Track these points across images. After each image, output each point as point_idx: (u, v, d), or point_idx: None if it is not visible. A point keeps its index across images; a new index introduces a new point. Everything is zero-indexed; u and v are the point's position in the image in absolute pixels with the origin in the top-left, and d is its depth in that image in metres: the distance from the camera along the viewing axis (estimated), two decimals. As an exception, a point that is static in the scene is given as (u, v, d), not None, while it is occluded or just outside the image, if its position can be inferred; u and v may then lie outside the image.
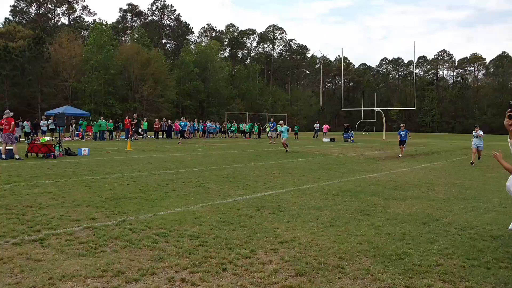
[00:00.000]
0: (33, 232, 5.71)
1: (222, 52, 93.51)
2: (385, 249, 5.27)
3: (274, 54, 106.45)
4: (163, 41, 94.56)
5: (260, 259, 4.78)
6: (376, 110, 54.04)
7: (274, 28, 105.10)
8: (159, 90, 63.28)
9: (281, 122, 26.33)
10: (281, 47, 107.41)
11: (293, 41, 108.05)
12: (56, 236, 5.50)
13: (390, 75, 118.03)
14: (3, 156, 15.43)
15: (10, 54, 53.72)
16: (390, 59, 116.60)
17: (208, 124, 42.80)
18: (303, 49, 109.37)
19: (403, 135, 20.37)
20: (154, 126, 38.09)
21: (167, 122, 38.16)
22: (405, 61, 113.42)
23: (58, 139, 18.32)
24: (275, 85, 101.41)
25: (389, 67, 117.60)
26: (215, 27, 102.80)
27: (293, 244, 5.39)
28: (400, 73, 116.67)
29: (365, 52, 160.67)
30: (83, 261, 4.60)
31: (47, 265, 4.46)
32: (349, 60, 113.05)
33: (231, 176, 11.91)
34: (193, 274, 4.29)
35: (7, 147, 15.68)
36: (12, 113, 16.37)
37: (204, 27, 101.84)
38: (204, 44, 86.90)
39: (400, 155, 20.02)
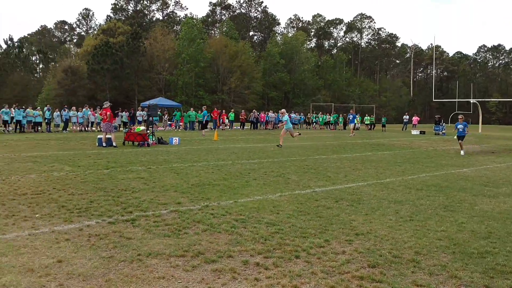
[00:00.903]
0: (126, 213, 6.28)
1: (308, 42, 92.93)
2: (467, 246, 5.07)
3: (362, 44, 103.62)
4: (250, 33, 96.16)
5: (334, 249, 4.86)
6: (472, 101, 50.56)
7: (362, 17, 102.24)
8: (246, 82, 64.62)
9: (283, 110, 21.41)
10: (369, 36, 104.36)
11: (382, 29, 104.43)
12: (145, 218, 6.01)
13: (489, 64, 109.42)
14: (104, 144, 16.87)
15: (111, 49, 57.98)
16: (490, 46, 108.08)
17: (293, 115, 42.98)
18: (392, 37, 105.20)
19: (460, 129, 17.24)
20: (240, 117, 39.09)
21: (255, 113, 38.98)
22: (507, 48, 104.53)
23: (152, 128, 19.58)
24: (362, 75, 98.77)
25: (488, 55, 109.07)
26: (302, 17, 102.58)
27: (368, 237, 5.38)
28: (500, 61, 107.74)
29: (461, 39, 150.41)
30: (168, 241, 5.00)
31: (137, 243, 4.92)
32: (442, 49, 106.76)
33: (312, 167, 11.97)
34: (266, 259, 4.48)
35: (107, 136, 17.11)
36: (109, 104, 17.66)
37: (290, 18, 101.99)
38: (290, 35, 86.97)
39: (462, 152, 16.94)
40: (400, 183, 9.58)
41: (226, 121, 38.67)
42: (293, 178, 9.88)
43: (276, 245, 4.93)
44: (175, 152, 15.42)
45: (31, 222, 5.70)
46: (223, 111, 40.72)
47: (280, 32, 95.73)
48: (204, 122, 33.01)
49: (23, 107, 28.26)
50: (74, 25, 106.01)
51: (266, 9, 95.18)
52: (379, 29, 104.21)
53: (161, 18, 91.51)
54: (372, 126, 43.62)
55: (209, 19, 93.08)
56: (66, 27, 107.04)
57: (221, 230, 5.51)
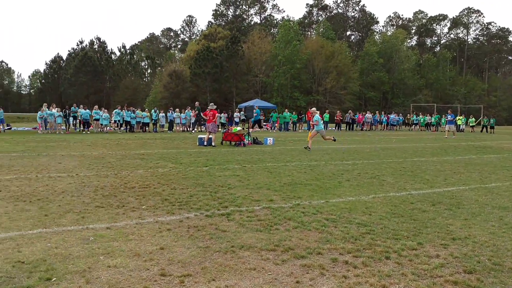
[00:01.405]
0: (222, 207, 6.63)
1: (409, 40, 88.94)
2: None
3: (468, 40, 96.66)
4: (347, 33, 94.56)
5: (427, 252, 4.71)
6: None
7: (469, 11, 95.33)
8: (342, 82, 63.68)
9: (314, 108, 19.32)
10: (477, 31, 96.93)
11: (492, 24, 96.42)
12: (239, 213, 6.30)
13: None
14: (205, 143, 17.77)
15: (212, 54, 60.69)
16: None
17: (391, 116, 41.51)
18: (504, 32, 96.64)
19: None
20: (335, 118, 38.68)
21: (351, 114, 38.34)
22: None
23: (248, 129, 20.19)
24: (468, 73, 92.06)
25: None
26: (402, 15, 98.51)
27: (466, 242, 5.12)
28: None
29: None
30: (260, 235, 5.21)
31: (231, 235, 5.20)
32: None
33: (409, 169, 11.54)
34: (356, 258, 4.49)
35: (210, 135, 18.01)
36: (216, 106, 18.58)
37: (389, 16, 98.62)
38: (389, 33, 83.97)
39: None
40: (507, 188, 8.88)
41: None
42: (388, 180, 9.62)
43: (366, 245, 4.90)
44: (269, 152, 15.78)
45: (138, 213, 6.27)
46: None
47: (379, 30, 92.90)
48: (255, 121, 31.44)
49: (132, 109, 30.71)
50: (179, 32, 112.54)
51: (364, 8, 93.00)
52: (489, 23, 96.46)
53: (258, 21, 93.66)
54: (487, 128, 39.78)
55: (306, 21, 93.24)
56: (172, 34, 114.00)
57: (312, 228, 5.59)
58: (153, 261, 4.30)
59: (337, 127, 37.82)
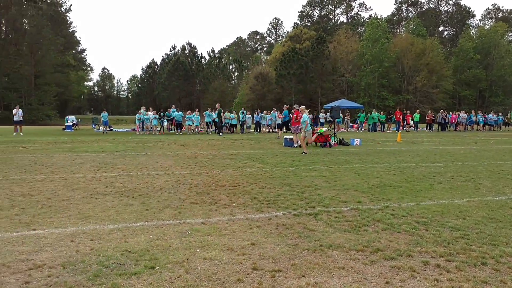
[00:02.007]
0: (309, 207, 6.74)
1: (510, 34, 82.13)
2: None
3: None
4: (440, 29, 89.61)
5: (529, 260, 4.44)
6: None
7: None
8: (434, 81, 60.50)
9: (302, 107, 16.92)
10: None
11: None
12: (327, 213, 6.36)
13: None
14: (295, 145, 17.94)
15: (297, 55, 60.88)
16: None
17: (489, 115, 38.71)
18: None
19: None
20: (426, 118, 36.94)
21: (444, 113, 36.42)
22: None
23: (334, 130, 20.06)
24: None
25: None
26: (502, 7, 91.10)
27: None
28: None
29: None
30: (348, 236, 5.25)
31: (318, 234, 5.30)
32: None
33: (509, 172, 10.78)
34: (449, 262, 4.36)
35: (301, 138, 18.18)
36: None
37: (488, 9, 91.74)
38: (487, 27, 78.20)
39: None
40: None
41: (411, 122, 37.00)
42: (484, 184, 9.09)
43: (460, 250, 4.73)
44: (356, 153, 15.55)
45: (230, 210, 6.58)
46: (407, 112, 39.03)
47: (475, 24, 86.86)
48: (282, 122, 28.82)
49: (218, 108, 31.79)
50: (265, 34, 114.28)
51: (459, 1, 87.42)
52: None
53: (345, 20, 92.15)
54: None
55: (394, 18, 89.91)
56: (258, 36, 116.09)
57: (401, 230, 5.51)
58: (245, 256, 4.53)
59: (428, 128, 36.09)
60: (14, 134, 26.52)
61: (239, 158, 13.61)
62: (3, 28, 63.49)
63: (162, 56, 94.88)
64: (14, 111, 27.71)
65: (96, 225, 5.68)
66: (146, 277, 3.94)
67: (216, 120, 28.68)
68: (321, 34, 66.19)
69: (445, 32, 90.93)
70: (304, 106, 17.11)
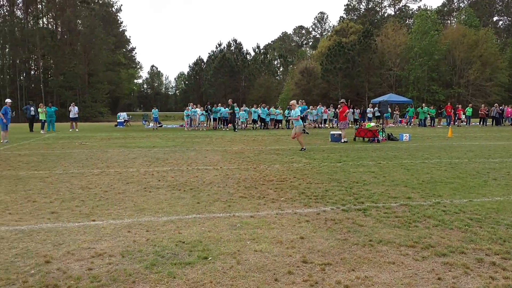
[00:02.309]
0: (358, 203, 6.72)
1: None
2: None
3: None
4: (494, 18, 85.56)
5: None
6: None
7: None
8: (488, 73, 57.93)
9: (293, 101, 15.95)
10: None
11: None
12: (376, 208, 6.32)
13: None
14: (342, 140, 17.79)
15: (343, 49, 60.11)
16: None
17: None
18: None
19: None
20: (479, 112, 35.49)
21: (498, 107, 34.88)
22: None
23: (382, 125, 19.71)
24: None
25: None
26: None
27: None
28: None
29: None
30: (398, 231, 5.21)
31: (368, 230, 5.29)
32: None
33: None
34: (505, 260, 4.25)
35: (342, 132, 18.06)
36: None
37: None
38: (548, 15, 73.84)
39: None
40: None
41: (463, 117, 35.68)
42: (544, 181, 8.69)
43: (517, 248, 4.59)
44: (405, 148, 15.24)
45: (278, 204, 6.68)
46: (459, 106, 37.65)
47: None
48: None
49: (266, 106, 31.95)
50: (310, 29, 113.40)
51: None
52: None
53: (392, 13, 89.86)
54: None
55: (445, 9, 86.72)
56: (303, 31, 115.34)
57: (453, 227, 5.40)
58: (295, 249, 4.60)
59: (482, 122, 34.66)
60: (70, 130, 27.82)
61: (285, 153, 13.68)
62: (59, 29, 66.53)
63: (209, 53, 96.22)
64: (70, 108, 29.05)
65: (150, 217, 5.94)
66: (199, 267, 4.10)
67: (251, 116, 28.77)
68: (368, 28, 64.94)
69: (500, 22, 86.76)
70: (294, 101, 16.31)
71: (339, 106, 19.64)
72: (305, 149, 14.46)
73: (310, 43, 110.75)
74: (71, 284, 3.70)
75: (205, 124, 30.22)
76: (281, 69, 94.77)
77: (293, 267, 4.08)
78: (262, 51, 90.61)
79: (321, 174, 9.51)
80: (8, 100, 19.76)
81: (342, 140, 17.75)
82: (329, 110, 33.10)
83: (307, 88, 62.26)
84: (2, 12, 64.93)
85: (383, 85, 60.94)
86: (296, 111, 14.80)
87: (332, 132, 18.92)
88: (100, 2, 69.84)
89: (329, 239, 4.93)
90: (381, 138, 18.56)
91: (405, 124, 35.14)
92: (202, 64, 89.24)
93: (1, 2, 65.29)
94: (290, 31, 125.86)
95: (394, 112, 35.92)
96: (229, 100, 29.57)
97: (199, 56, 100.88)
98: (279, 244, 4.77)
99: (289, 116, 15.99)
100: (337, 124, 26.23)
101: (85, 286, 3.66)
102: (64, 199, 6.96)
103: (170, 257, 4.35)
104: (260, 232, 5.22)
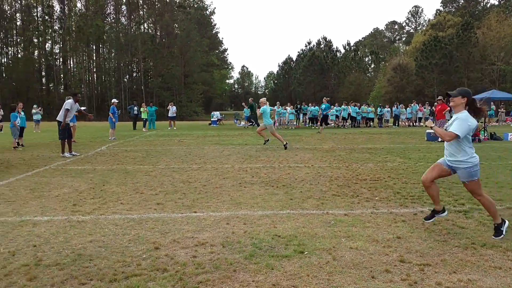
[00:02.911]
0: (458, 204, 6.43)
1: None
2: None
3: None
4: None
5: None
6: None
7: None
8: None
9: (263, 99, 15.89)
10: None
11: None
12: (478, 211, 5.99)
13: None
14: (440, 139, 16.95)
15: (440, 44, 56.89)
16: None
17: None
18: None
19: None
20: None
21: None
22: None
23: (484, 123, 18.43)
24: None
25: None
26: None
27: None
28: None
29: None
30: (505, 236, 4.91)
31: (470, 232, 5.05)
32: None
33: None
34: None
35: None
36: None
37: None
38: None
39: None
40: None
41: None
42: None
43: None
44: (510, 148, 14.12)
45: (372, 203, 6.60)
46: None
47: None
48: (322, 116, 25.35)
49: (356, 104, 31.34)
50: (403, 24, 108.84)
51: None
52: None
53: (496, 3, 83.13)
54: None
55: (561, -6, 78.28)
56: (396, 26, 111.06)
57: None
58: (391, 248, 4.55)
59: None
60: (169, 128, 29.56)
61: (378, 152, 13.37)
62: (158, 33, 70.79)
63: (298, 52, 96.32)
64: (169, 107, 30.86)
65: (247, 210, 6.19)
66: (296, 260, 4.23)
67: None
68: (468, 20, 60.74)
69: None
70: (264, 98, 16.02)
71: (435, 103, 18.70)
72: (286, 145, 14.36)
73: (404, 39, 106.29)
74: (178, 269, 4.02)
75: (294, 123, 30.39)
76: (372, 66, 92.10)
77: (390, 266, 4.05)
78: (352, 48, 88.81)
79: (417, 174, 9.17)
80: (114, 100, 21.51)
81: (440, 140, 16.88)
82: (424, 108, 31.61)
83: (400, 85, 59.90)
84: (109, 19, 70.64)
85: (485, 81, 56.66)
86: (263, 108, 15.00)
87: (428, 131, 18.07)
88: (195, 6, 73.08)
89: (427, 240, 4.80)
90: (483, 137, 17.37)
91: (511, 123, 32.42)
92: (291, 63, 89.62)
93: (108, 11, 71.08)
94: (382, 26, 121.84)
95: (499, 109, 33.27)
96: (250, 99, 29.64)
97: (289, 55, 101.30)
98: (375, 242, 4.74)
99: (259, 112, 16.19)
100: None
101: (190, 272, 3.96)
102: (167, 192, 7.50)
103: (268, 250, 4.53)
104: (354, 230, 5.21)
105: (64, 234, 5.12)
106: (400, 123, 30.86)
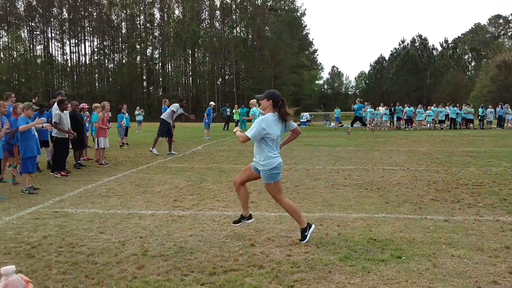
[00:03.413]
0: None
1: None
2: None
3: None
4: None
5: None
6: None
7: None
8: None
9: (253, 101, 14.58)
10: None
11: None
12: None
13: None
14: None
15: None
16: None
17: None
18: None
19: None
20: None
21: None
22: None
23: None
24: None
25: None
26: None
27: None
28: None
29: None
30: None
31: None
32: None
33: None
34: None
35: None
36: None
37: None
38: None
39: None
40: None
41: None
42: None
43: None
44: None
45: (475, 210, 6.19)
46: None
47: None
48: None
49: (455, 104, 29.48)
50: (510, 18, 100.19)
51: None
52: None
53: None
54: None
55: None
56: (501, 21, 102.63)
57: None
58: (499, 258, 4.24)
59: None
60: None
61: (481, 156, 12.49)
62: (250, 36, 72.43)
63: (391, 51, 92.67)
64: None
65: (340, 213, 6.14)
66: (393, 265, 4.11)
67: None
68: None
69: None
70: (254, 100, 14.54)
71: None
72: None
73: (510, 33, 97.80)
74: (274, 267, 4.11)
75: (387, 124, 29.38)
76: (472, 64, 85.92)
77: (498, 277, 3.79)
78: (450, 45, 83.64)
79: (528, 180, 8.44)
80: (212, 103, 22.48)
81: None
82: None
83: (504, 83, 55.14)
84: (204, 25, 73.66)
85: None
86: (253, 110, 14.13)
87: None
88: (286, 8, 73.53)
89: (540, 252, 4.41)
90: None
91: None
92: (384, 62, 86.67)
93: (203, 16, 74.13)
94: (484, 21, 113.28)
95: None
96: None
97: (381, 54, 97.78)
98: (480, 251, 4.46)
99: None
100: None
101: (286, 270, 4.03)
102: (260, 191, 7.66)
103: (363, 253, 4.46)
104: (456, 237, 4.94)
105: (166, 227, 5.47)
106: (505, 124, 28.50)
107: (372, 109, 29.28)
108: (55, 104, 10.36)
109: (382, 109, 28.59)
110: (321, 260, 4.24)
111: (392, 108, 29.69)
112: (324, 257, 4.35)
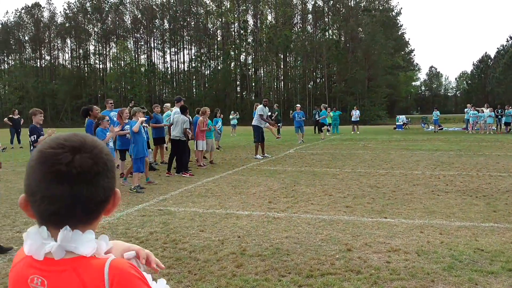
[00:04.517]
0: None
1: None
2: None
3: None
4: None
5: None
6: None
7: None
8: None
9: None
10: None
11: None
12: None
13: None
14: None
15: None
16: None
17: None
18: None
19: None
20: None
21: None
22: None
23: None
24: None
25: None
26: None
27: None
28: None
29: None
30: None
31: None
32: None
33: None
34: None
35: None
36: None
37: None
38: None
39: None
40: None
41: None
42: None
43: None
44: None
45: None
46: None
47: None
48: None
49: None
50: None
51: None
52: None
53: None
54: None
55: None
56: None
57: None
58: None
59: None
60: (352, 132, 29.53)
61: None
62: (342, 38, 71.43)
63: (497, 48, 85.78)
64: (352, 112, 30.85)
65: (442, 220, 5.82)
66: (505, 278, 3.82)
67: None
68: None
69: None
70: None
71: None
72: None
73: None
74: (372, 272, 4.02)
75: (493, 127, 27.19)
76: None
77: None
78: None
79: None
80: (297, 106, 22.55)
81: None
82: None
83: None
84: (296, 29, 74.06)
85: None
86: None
87: None
88: (381, 8, 71.36)
89: None
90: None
91: None
92: (489, 60, 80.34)
93: (295, 21, 74.55)
94: None
95: None
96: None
97: (485, 53, 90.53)
98: None
99: None
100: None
101: (385, 276, 3.92)
102: (356, 195, 7.53)
103: (469, 263, 4.20)
104: None
105: (263, 228, 5.60)
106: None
107: (475, 111, 27.30)
108: (176, 108, 10.95)
109: (486, 111, 26.50)
110: (422, 269, 4.07)
111: (500, 110, 27.41)
112: (425, 265, 4.17)
